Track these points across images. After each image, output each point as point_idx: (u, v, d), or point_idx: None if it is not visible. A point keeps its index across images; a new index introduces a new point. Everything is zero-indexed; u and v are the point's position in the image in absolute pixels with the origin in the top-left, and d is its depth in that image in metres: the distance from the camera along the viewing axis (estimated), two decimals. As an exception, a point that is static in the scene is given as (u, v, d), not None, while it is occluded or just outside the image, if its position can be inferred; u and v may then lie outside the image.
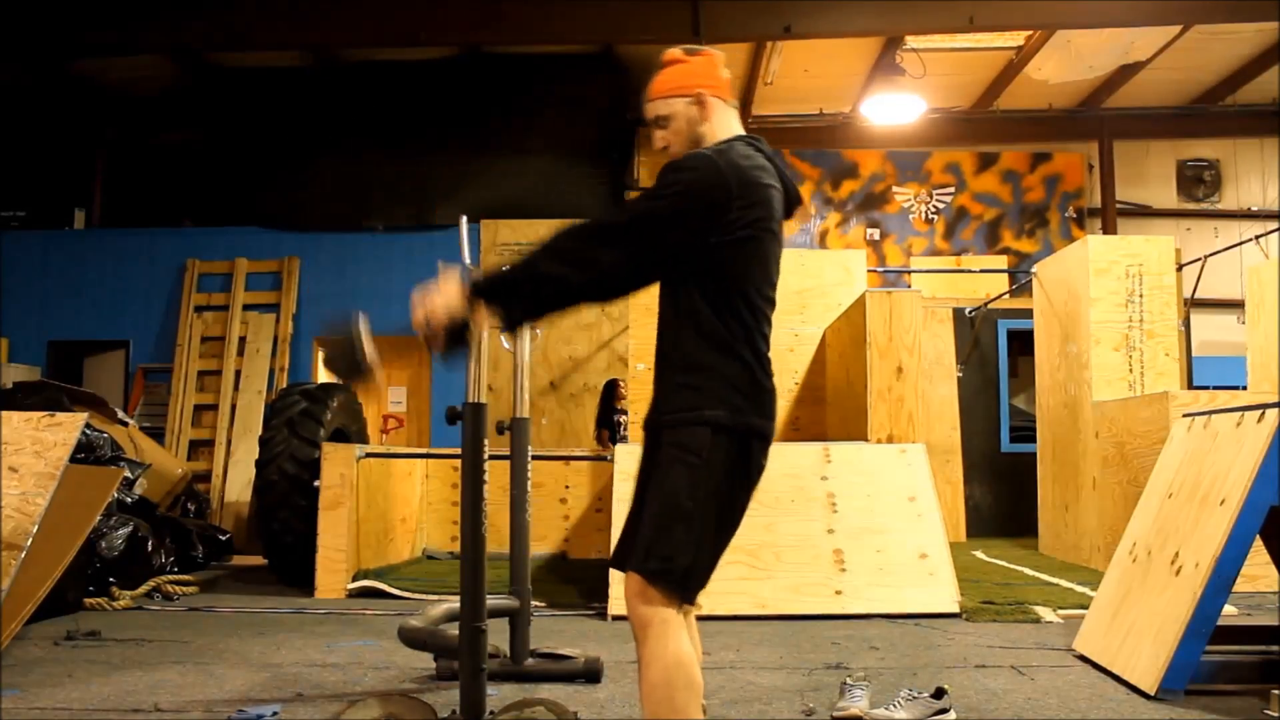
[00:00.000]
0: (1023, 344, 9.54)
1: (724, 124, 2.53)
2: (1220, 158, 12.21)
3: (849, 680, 3.53)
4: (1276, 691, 3.45)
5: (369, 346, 2.56)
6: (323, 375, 10.74)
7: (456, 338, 2.39)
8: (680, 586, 2.30)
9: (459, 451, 3.05)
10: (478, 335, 2.39)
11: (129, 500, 6.71)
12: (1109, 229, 11.79)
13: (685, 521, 2.28)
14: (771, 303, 2.46)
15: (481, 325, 2.45)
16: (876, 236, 12.19)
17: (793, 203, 2.58)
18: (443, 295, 2.36)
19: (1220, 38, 10.24)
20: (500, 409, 5.61)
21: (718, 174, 2.34)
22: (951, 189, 12.20)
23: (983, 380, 10.01)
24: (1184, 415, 4.57)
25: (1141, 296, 7.33)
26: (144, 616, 5.66)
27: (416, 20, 9.30)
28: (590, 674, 3.94)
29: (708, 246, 2.34)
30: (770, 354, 2.46)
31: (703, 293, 2.36)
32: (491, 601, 3.25)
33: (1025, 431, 9.50)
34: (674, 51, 2.59)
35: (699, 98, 2.51)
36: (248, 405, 10.07)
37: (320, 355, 2.58)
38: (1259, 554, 4.11)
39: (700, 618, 2.54)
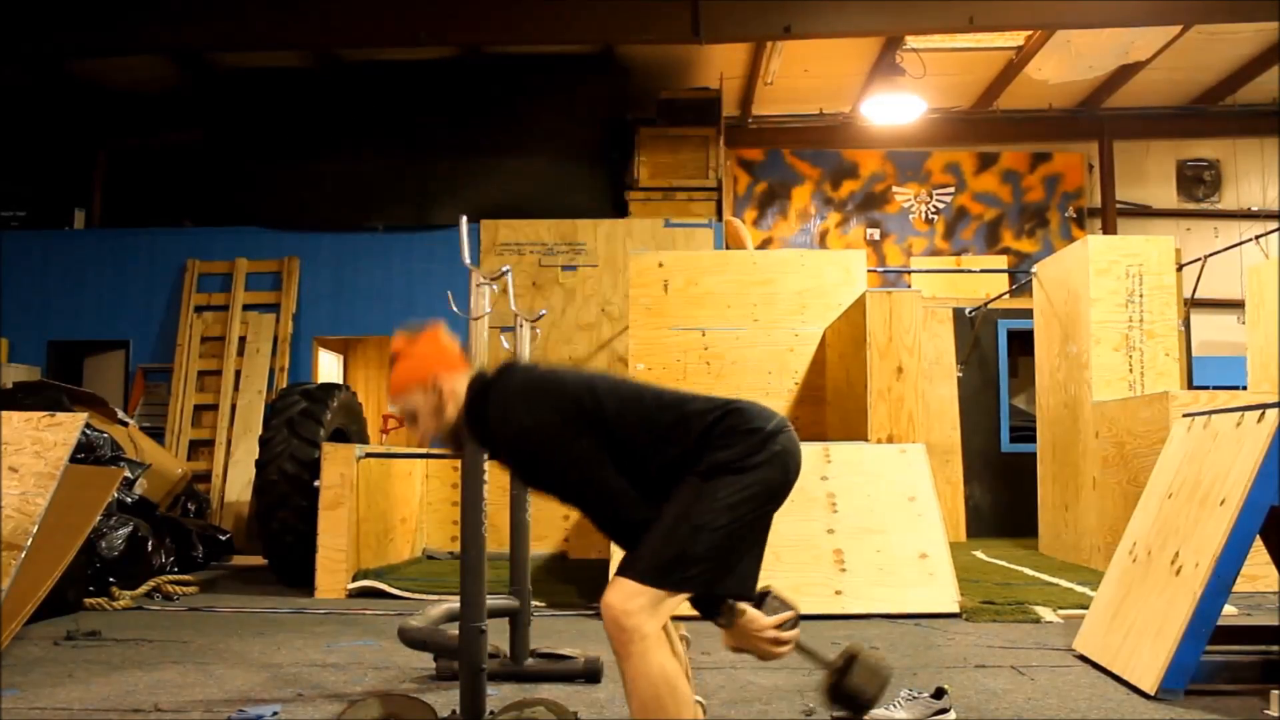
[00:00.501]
0: (1023, 344, 9.54)
1: (462, 389, 2.61)
2: (1220, 158, 12.22)
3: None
4: (1276, 691, 3.45)
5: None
6: (323, 375, 10.75)
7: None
8: (677, 586, 2.39)
9: (459, 451, 3.04)
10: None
11: (129, 500, 6.71)
12: (1109, 229, 11.79)
13: (712, 537, 2.41)
14: (675, 397, 2.57)
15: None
16: (876, 236, 12.19)
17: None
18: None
19: (1220, 38, 10.24)
20: (500, 409, 5.61)
21: (523, 399, 2.47)
22: (951, 189, 12.20)
23: (983, 380, 10.01)
24: (1184, 415, 4.57)
25: (1141, 296, 7.33)
26: (144, 616, 5.66)
27: (416, 20, 9.29)
28: (590, 674, 3.94)
29: (594, 432, 2.45)
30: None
31: (619, 452, 2.47)
32: (491, 601, 3.26)
33: (1025, 431, 9.49)
34: (397, 341, 2.69)
35: (434, 383, 2.59)
36: (248, 405, 10.07)
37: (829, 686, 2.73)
38: (1259, 554, 4.11)
39: (699, 617, 2.55)
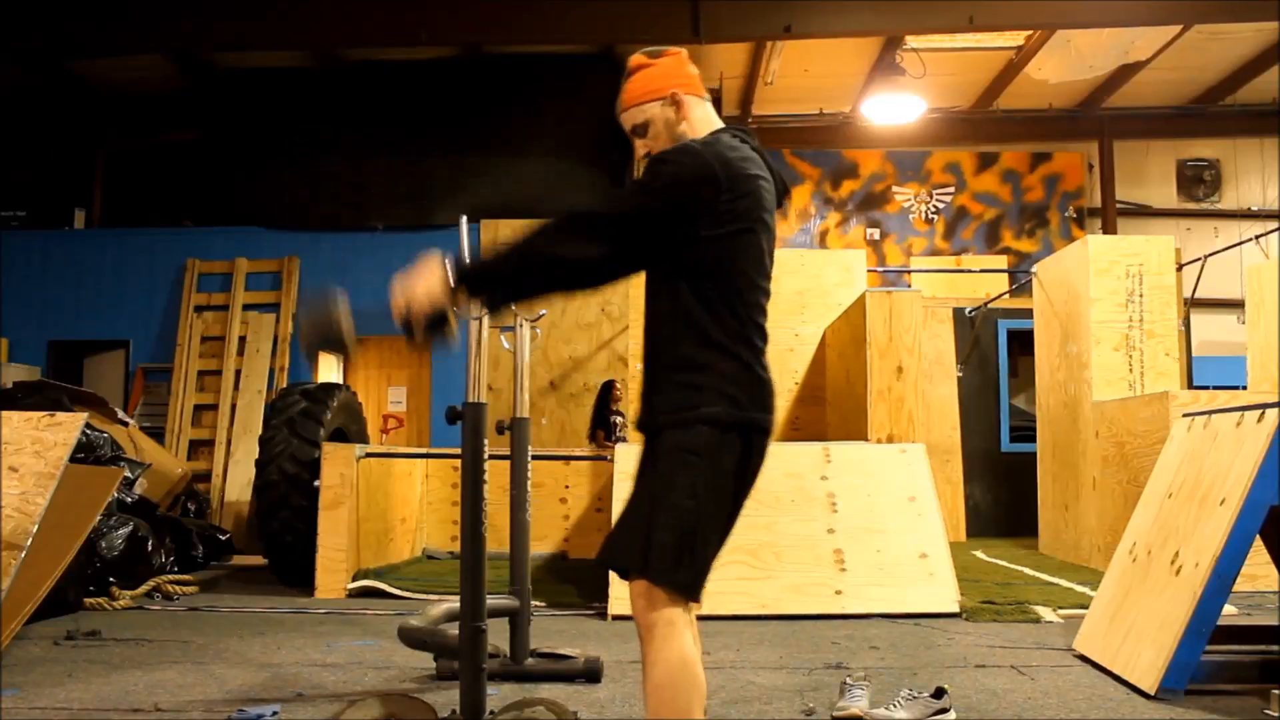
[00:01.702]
0: (1023, 344, 9.54)
1: (703, 119, 2.50)
2: (1220, 158, 12.22)
3: (849, 680, 3.53)
4: (1276, 691, 3.45)
5: (347, 323, 2.52)
6: (323, 375, 10.75)
7: (436, 327, 2.35)
8: (687, 587, 2.29)
9: (459, 451, 3.05)
10: (456, 325, 2.38)
11: (129, 500, 6.71)
12: (1109, 229, 11.80)
13: (689, 522, 2.26)
14: (766, 294, 2.43)
15: (463, 314, 2.42)
16: (876, 236, 12.19)
17: (781, 193, 2.53)
18: (424, 283, 2.33)
19: (1220, 38, 10.24)
20: (500, 409, 5.62)
21: (706, 165, 2.31)
22: (951, 189, 12.20)
23: (983, 380, 10.01)
24: (1184, 415, 4.57)
25: (1141, 296, 7.33)
26: (144, 616, 5.66)
27: (416, 20, 9.30)
28: (590, 674, 3.94)
29: (698, 240, 2.31)
30: (768, 347, 2.42)
31: (695, 288, 2.32)
32: (491, 601, 3.25)
33: (1025, 431, 9.49)
34: (638, 56, 2.56)
35: (673, 97, 2.48)
36: (248, 405, 10.07)
37: (300, 330, 2.56)
38: (1259, 554, 4.11)
39: (700, 617, 2.53)
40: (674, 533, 2.26)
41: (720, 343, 2.32)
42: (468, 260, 2.35)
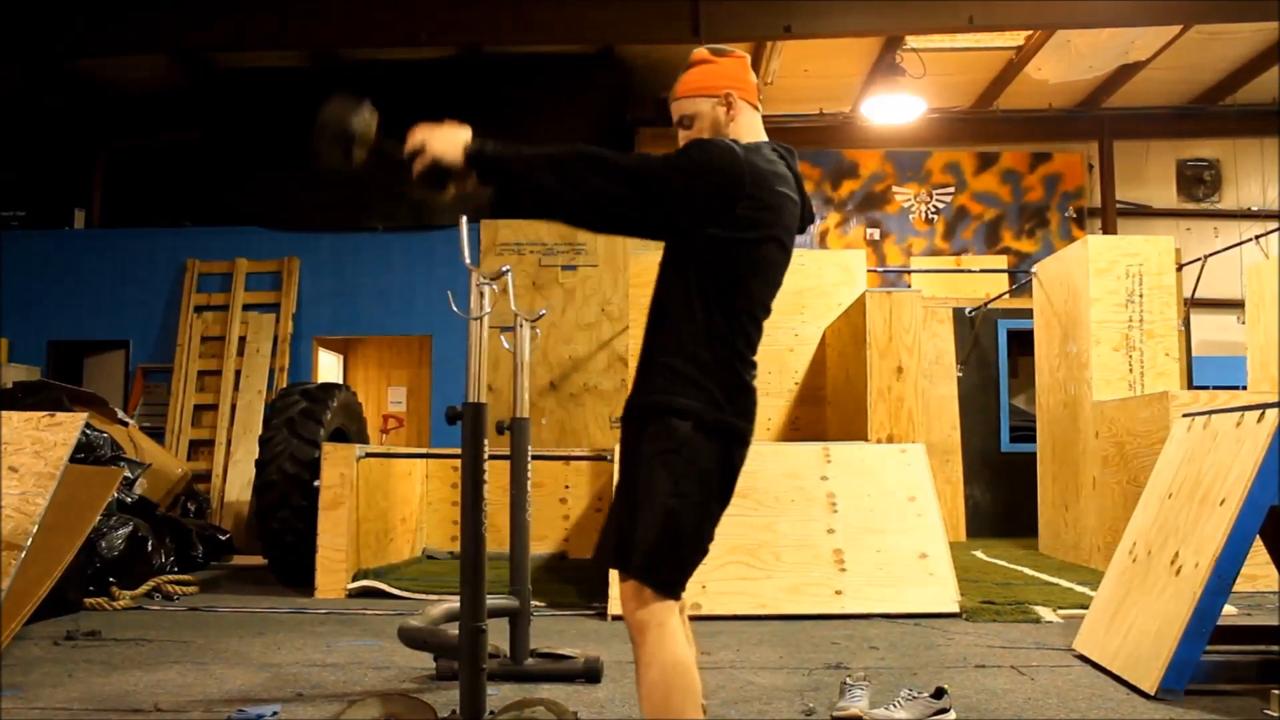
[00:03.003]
0: (1023, 344, 9.54)
1: (750, 127, 2.51)
2: (1220, 158, 12.21)
3: (849, 680, 3.53)
4: (1276, 691, 3.45)
5: (366, 122, 2.52)
6: (323, 374, 10.75)
7: (435, 179, 2.38)
8: (666, 586, 2.29)
9: (459, 451, 3.05)
10: (454, 190, 2.39)
11: (129, 500, 6.71)
12: (1109, 229, 11.79)
13: (669, 520, 2.27)
14: (766, 310, 2.44)
15: (464, 185, 2.43)
16: (876, 236, 12.19)
17: (806, 220, 2.56)
18: (447, 137, 2.35)
19: (1220, 38, 10.24)
20: (500, 409, 5.61)
21: (735, 163, 2.31)
22: (951, 189, 12.20)
23: (983, 380, 10.01)
24: (1184, 415, 4.57)
25: (1141, 296, 7.33)
26: (144, 616, 5.66)
27: (416, 20, 9.30)
28: (590, 674, 3.94)
29: (709, 238, 2.32)
30: (759, 359, 2.45)
31: (699, 285, 2.33)
32: (491, 601, 3.26)
33: (1025, 431, 9.49)
34: (701, 51, 2.55)
35: (727, 98, 2.48)
36: (248, 405, 10.07)
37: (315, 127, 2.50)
38: (1259, 554, 4.11)
39: (700, 618, 2.54)
40: (656, 531, 2.27)
41: (713, 343, 2.33)
42: (493, 142, 2.36)
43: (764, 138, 2.52)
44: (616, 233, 2.49)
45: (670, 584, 2.30)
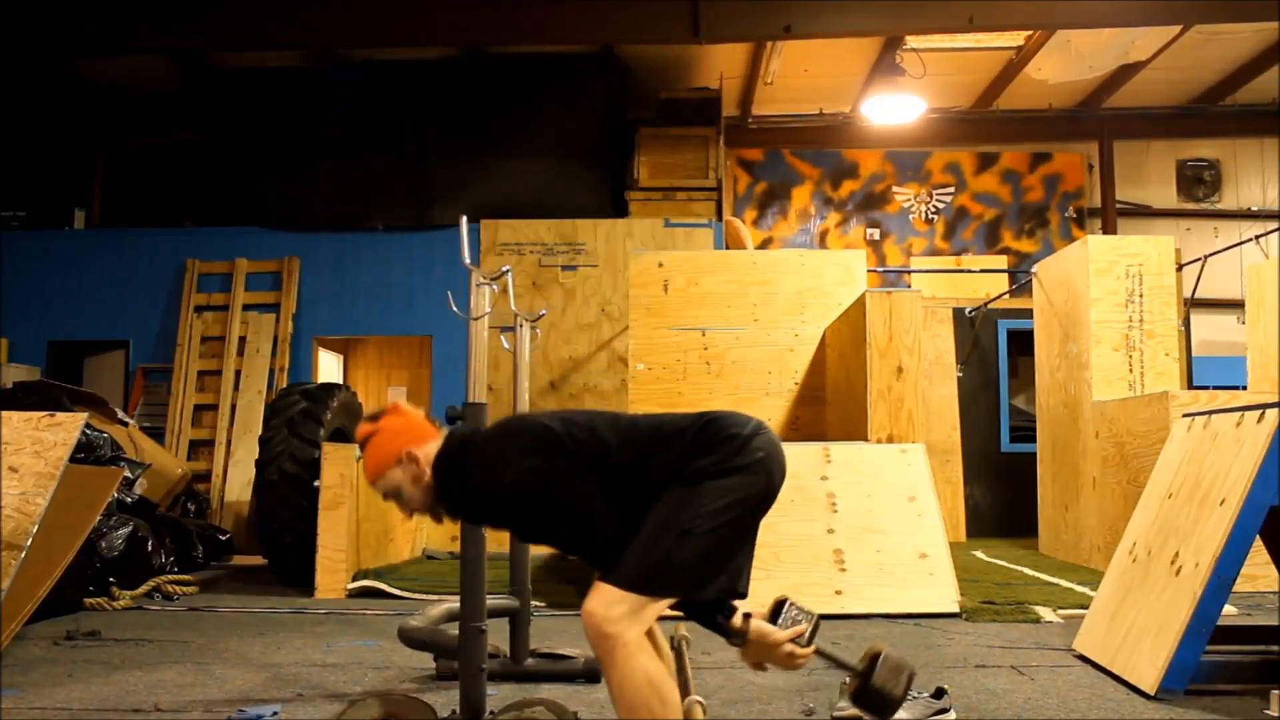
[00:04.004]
0: (1023, 344, 9.54)
1: (432, 451, 2.62)
2: (1220, 158, 12.22)
3: (849, 680, 3.52)
4: (1276, 691, 3.45)
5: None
6: (323, 375, 10.75)
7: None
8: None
9: (459, 451, 3.04)
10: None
11: (129, 500, 6.71)
12: (1109, 229, 11.79)
13: (685, 539, 2.39)
14: (643, 430, 2.55)
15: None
16: (876, 236, 12.19)
17: None
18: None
19: (1220, 38, 10.24)
20: (500, 409, 5.61)
21: (536, 446, 2.46)
22: (951, 189, 12.20)
23: (983, 380, 10.01)
24: (1184, 415, 4.57)
25: (1141, 296, 7.33)
26: (144, 616, 5.66)
27: (416, 20, 9.29)
28: (590, 674, 3.94)
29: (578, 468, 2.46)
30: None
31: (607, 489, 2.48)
32: (491, 601, 3.26)
33: (1025, 431, 9.49)
34: (363, 426, 2.67)
35: (408, 454, 2.58)
36: (248, 405, 10.07)
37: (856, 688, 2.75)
38: (1259, 554, 4.11)
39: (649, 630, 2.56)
40: (669, 549, 2.38)
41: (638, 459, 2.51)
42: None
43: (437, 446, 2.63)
44: (602, 531, 2.56)
45: (662, 590, 2.39)
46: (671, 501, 2.39)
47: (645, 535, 2.37)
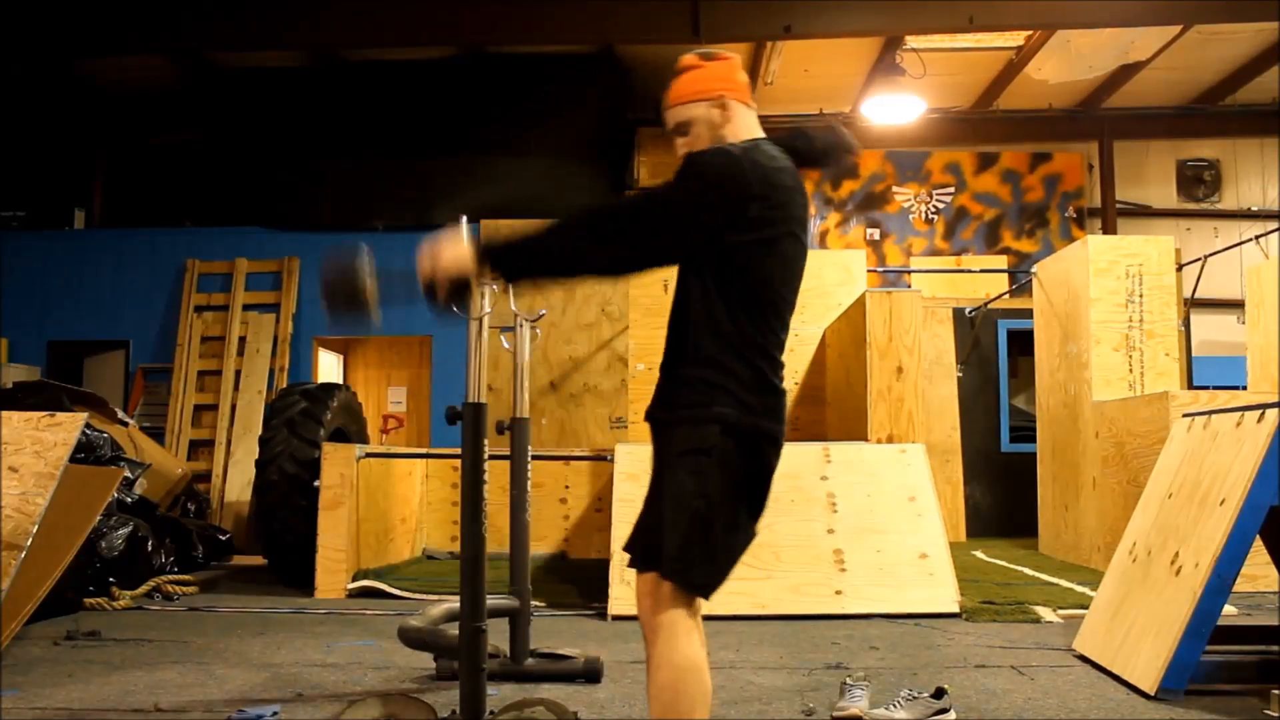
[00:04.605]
0: (1023, 344, 9.54)
1: (746, 127, 2.49)
2: (1220, 158, 12.21)
3: (849, 680, 3.53)
4: (1276, 691, 3.45)
5: (370, 281, 2.50)
6: (323, 375, 10.75)
7: (458, 294, 2.39)
8: (700, 586, 2.30)
9: (459, 451, 3.04)
10: (479, 295, 2.40)
11: (129, 500, 6.71)
12: (1109, 229, 11.79)
13: (697, 521, 2.27)
14: (791, 307, 2.44)
15: (484, 283, 2.48)
16: (876, 236, 12.19)
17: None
18: (450, 250, 2.34)
19: (1220, 38, 10.24)
20: (500, 409, 5.60)
21: (739, 169, 2.30)
22: (951, 189, 12.20)
23: (983, 380, 10.01)
24: (1184, 415, 4.57)
25: (1141, 296, 7.33)
26: (144, 616, 5.66)
27: (416, 20, 9.29)
28: (590, 674, 3.94)
29: (726, 245, 2.31)
30: (785, 356, 2.45)
31: (721, 291, 2.32)
32: (491, 601, 3.25)
33: (1025, 431, 9.49)
34: (690, 57, 2.54)
35: (720, 100, 2.47)
36: (248, 405, 10.07)
37: (320, 290, 2.54)
38: (1259, 554, 4.11)
39: (707, 617, 2.54)
40: (685, 531, 2.27)
41: (740, 347, 2.33)
42: (494, 241, 2.38)
43: (760, 133, 2.50)
44: (644, 270, 2.49)
45: (703, 585, 2.31)
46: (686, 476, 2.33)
47: (670, 518, 2.31)
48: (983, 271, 11.11)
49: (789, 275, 2.41)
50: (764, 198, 2.31)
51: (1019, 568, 7.22)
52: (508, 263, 2.37)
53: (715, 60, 2.52)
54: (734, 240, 2.31)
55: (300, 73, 10.78)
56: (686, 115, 2.49)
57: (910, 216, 12.21)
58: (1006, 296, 10.33)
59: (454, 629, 3.14)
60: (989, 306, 10.01)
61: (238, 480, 9.74)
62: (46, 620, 5.14)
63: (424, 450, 9.11)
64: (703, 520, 2.27)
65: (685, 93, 2.49)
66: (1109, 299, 7.33)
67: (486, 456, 3.00)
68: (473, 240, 2.36)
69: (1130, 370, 7.27)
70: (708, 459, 2.28)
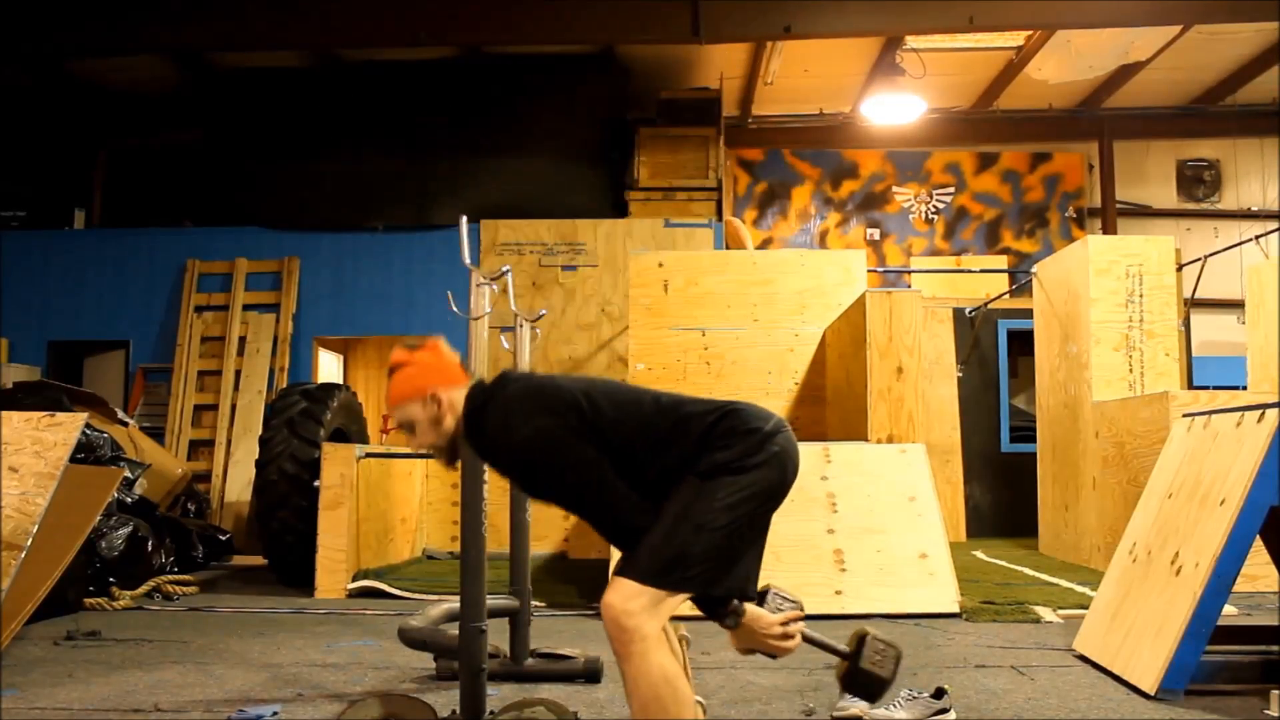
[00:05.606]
0: (1023, 344, 9.54)
1: (461, 402, 2.61)
2: (1220, 158, 12.22)
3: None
4: (1276, 691, 3.45)
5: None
6: (323, 375, 10.75)
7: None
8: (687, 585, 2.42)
9: (459, 451, 3.04)
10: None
11: (129, 500, 6.71)
12: (1109, 229, 11.79)
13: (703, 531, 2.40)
14: (665, 404, 2.54)
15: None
16: (876, 236, 12.19)
17: None
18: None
19: (1220, 38, 10.24)
20: (500, 409, 5.61)
21: (545, 406, 2.46)
22: (951, 189, 12.20)
23: (983, 380, 10.01)
24: (1184, 415, 4.57)
25: (1141, 296, 7.33)
26: (144, 616, 5.66)
27: (416, 20, 9.29)
28: (590, 674, 3.94)
29: (596, 442, 2.46)
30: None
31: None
32: (491, 601, 3.26)
33: (1025, 431, 9.49)
34: (399, 352, 2.67)
35: (433, 396, 2.59)
36: (248, 405, 10.07)
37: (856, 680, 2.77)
38: (1259, 554, 4.11)
39: (700, 618, 2.55)
40: (686, 540, 2.38)
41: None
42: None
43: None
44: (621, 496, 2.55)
45: (679, 585, 2.38)
46: (687, 494, 2.40)
47: (661, 528, 2.38)
48: (983, 271, 11.12)
49: (621, 403, 2.52)
50: (589, 403, 2.48)
51: (1019, 568, 7.22)
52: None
53: (420, 350, 2.65)
54: (599, 444, 2.45)
55: (300, 73, 10.78)
56: (407, 417, 2.64)
57: (910, 216, 12.22)
58: (1006, 296, 10.33)
59: (454, 629, 3.14)
60: (989, 306, 10.01)
61: (238, 480, 9.74)
62: (46, 620, 5.14)
63: (424, 450, 9.10)
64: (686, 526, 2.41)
65: (399, 395, 2.63)
66: (1109, 299, 7.33)
67: (486, 466, 3.00)
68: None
69: (1130, 370, 7.27)
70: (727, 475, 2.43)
